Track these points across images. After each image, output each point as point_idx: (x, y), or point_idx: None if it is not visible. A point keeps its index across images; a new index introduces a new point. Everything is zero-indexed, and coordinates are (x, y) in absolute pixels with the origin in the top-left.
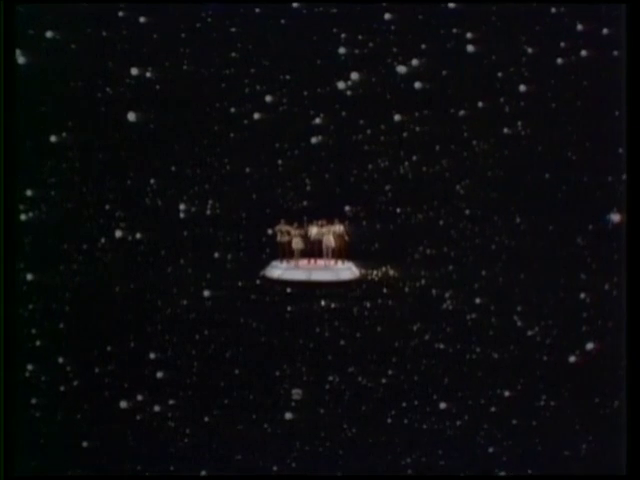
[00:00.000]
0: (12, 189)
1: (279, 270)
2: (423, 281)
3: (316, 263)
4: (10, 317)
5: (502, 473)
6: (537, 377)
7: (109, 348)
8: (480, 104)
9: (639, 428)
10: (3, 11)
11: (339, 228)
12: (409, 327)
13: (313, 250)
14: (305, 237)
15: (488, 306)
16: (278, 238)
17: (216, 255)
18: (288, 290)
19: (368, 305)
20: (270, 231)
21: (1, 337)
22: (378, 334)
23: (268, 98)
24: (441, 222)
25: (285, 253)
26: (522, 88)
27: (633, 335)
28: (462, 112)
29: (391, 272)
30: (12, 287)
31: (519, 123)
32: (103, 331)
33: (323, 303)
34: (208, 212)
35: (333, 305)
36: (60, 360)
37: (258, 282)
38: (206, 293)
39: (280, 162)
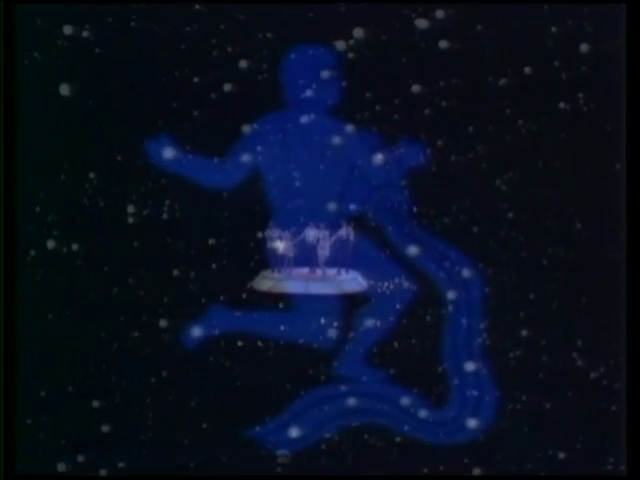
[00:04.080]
0: None
1: (270, 281)
2: (450, 307)
3: (315, 273)
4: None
5: None
6: (602, 433)
7: (42, 394)
8: (527, 70)
9: (639, 428)
10: (3, 11)
11: (341, 232)
12: (433, 368)
13: (311, 257)
14: (299, 241)
15: (538, 340)
16: (268, 244)
17: (175, 272)
18: (281, 305)
19: (378, 324)
20: (260, 235)
21: (1, 336)
22: (390, 376)
23: (243, 63)
24: (475, 229)
25: (277, 261)
26: (584, 48)
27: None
28: (503, 81)
29: (406, 284)
30: None
31: (580, 95)
32: (34, 372)
33: (323, 321)
34: (165, 216)
35: (335, 324)
36: None
37: (244, 296)
38: (163, 323)
39: (259, 149)
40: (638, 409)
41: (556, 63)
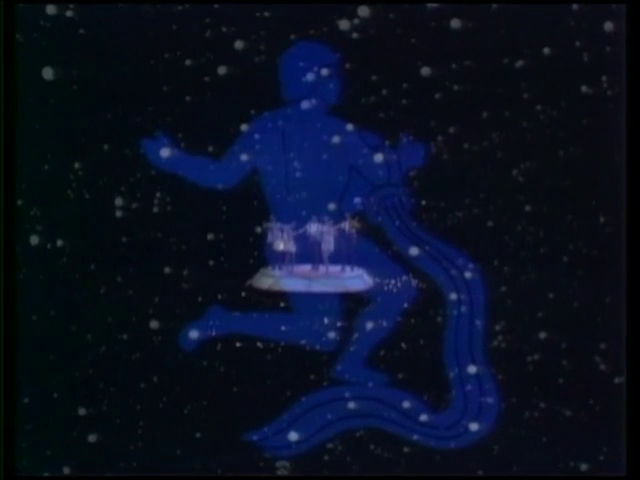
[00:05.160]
0: None
1: (270, 279)
2: (463, 308)
3: (318, 270)
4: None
5: None
6: (628, 444)
7: (26, 400)
8: (546, 51)
9: (639, 428)
10: (3, 11)
11: (344, 227)
12: (443, 373)
13: (313, 254)
14: (300, 237)
15: (557, 343)
16: (268, 240)
17: (167, 270)
18: (282, 304)
19: (381, 326)
20: (259, 230)
21: (1, 337)
22: (399, 381)
23: (239, 44)
24: (490, 223)
25: (278, 258)
26: (608, 27)
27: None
28: (520, 63)
29: (414, 282)
30: None
31: (604, 78)
32: (17, 377)
33: (326, 321)
34: (155, 209)
35: (339, 324)
36: None
37: (244, 294)
38: (154, 324)
39: (257, 137)
40: (638, 410)
41: (577, 43)
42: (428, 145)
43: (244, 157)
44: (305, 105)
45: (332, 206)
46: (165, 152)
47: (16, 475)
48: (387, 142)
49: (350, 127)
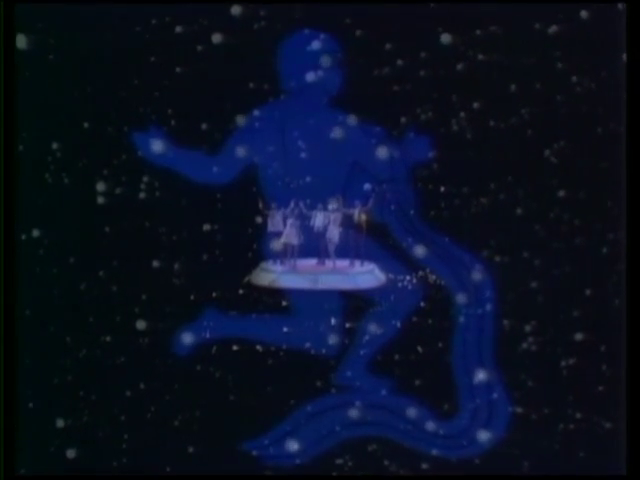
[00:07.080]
0: None
1: (271, 275)
2: (488, 306)
3: (324, 264)
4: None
5: None
6: (628, 444)
7: None
8: (584, 14)
9: (639, 429)
10: (3, 11)
11: (354, 214)
12: (451, 379)
13: (319, 247)
14: (304, 229)
15: (595, 346)
16: (269, 228)
17: (155, 264)
18: (284, 303)
19: (398, 325)
20: (259, 221)
21: (1, 335)
22: (415, 389)
23: (235, 10)
24: (519, 210)
25: (279, 251)
26: None
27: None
28: (553, 29)
29: (432, 278)
30: None
31: None
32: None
33: (330, 323)
34: (142, 195)
35: (348, 325)
36: None
37: (242, 292)
38: (140, 325)
39: (257, 113)
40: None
41: (620, 5)
42: (432, 138)
43: (241, 152)
44: (305, 96)
45: (335, 198)
46: (158, 146)
47: (16, 475)
48: (392, 135)
49: (353, 119)
